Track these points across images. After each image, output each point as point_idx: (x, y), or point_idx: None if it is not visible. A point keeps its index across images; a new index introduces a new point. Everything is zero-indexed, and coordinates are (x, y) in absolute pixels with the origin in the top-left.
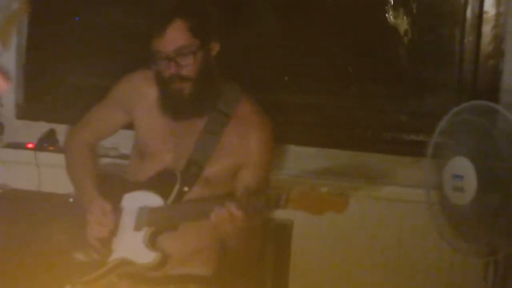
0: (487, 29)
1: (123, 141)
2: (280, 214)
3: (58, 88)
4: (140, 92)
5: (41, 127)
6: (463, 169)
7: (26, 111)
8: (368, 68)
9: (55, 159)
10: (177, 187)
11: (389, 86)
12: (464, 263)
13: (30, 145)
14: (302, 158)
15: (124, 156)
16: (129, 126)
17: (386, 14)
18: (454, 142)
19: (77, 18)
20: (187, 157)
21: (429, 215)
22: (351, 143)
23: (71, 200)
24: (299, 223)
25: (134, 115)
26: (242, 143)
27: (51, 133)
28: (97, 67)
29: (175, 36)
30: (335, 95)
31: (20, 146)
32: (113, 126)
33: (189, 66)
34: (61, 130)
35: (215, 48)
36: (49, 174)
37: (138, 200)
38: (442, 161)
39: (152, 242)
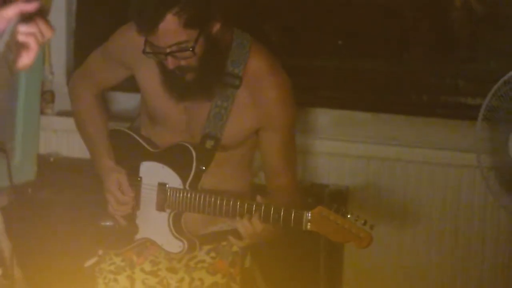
0: None
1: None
2: (335, 180)
3: None
4: (138, 46)
5: None
6: None
7: None
8: (423, 32)
9: None
10: (193, 166)
11: (445, 50)
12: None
13: None
14: (357, 124)
15: None
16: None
17: None
18: None
19: None
20: (201, 130)
21: (484, 179)
22: (406, 107)
23: None
24: (354, 188)
25: (135, 72)
26: (256, 104)
27: None
28: None
29: (169, 34)
30: (390, 59)
31: (71, 114)
32: (115, 79)
33: (188, 58)
34: (112, 97)
35: (217, 25)
36: None
37: (156, 174)
38: (503, 124)
39: (177, 227)
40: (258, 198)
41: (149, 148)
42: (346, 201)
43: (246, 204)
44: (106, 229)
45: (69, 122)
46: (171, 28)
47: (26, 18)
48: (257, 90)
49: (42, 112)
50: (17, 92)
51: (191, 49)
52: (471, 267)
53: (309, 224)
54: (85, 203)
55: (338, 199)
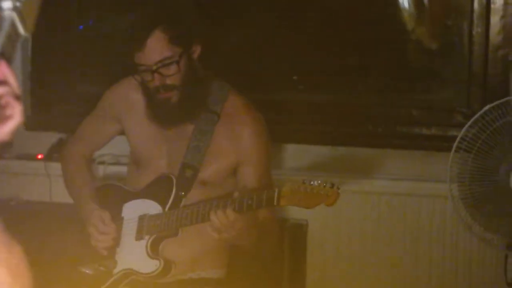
0: (495, 19)
1: (118, 146)
2: (295, 215)
3: (65, 97)
4: (128, 100)
5: (50, 138)
6: None
7: (34, 122)
8: (377, 63)
9: None
10: (173, 192)
11: (398, 80)
12: (482, 256)
13: (40, 156)
14: (315, 157)
15: (120, 163)
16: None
17: (395, 9)
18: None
19: (81, 26)
20: (181, 161)
21: (447, 208)
22: (363, 139)
23: None
24: (314, 222)
25: (124, 124)
26: (234, 140)
27: (61, 143)
28: (104, 76)
29: (156, 49)
30: (345, 91)
31: (30, 157)
32: (106, 137)
33: (173, 76)
34: None
35: (197, 50)
36: (60, 184)
37: (138, 209)
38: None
39: (154, 251)
40: (235, 193)
41: (130, 190)
42: (306, 235)
43: (221, 201)
44: (84, 274)
45: (29, 166)
46: (158, 43)
47: None
48: (234, 126)
49: (0, 157)
50: None
51: (176, 62)
52: None
53: (281, 199)
54: (54, 247)
55: (297, 233)
